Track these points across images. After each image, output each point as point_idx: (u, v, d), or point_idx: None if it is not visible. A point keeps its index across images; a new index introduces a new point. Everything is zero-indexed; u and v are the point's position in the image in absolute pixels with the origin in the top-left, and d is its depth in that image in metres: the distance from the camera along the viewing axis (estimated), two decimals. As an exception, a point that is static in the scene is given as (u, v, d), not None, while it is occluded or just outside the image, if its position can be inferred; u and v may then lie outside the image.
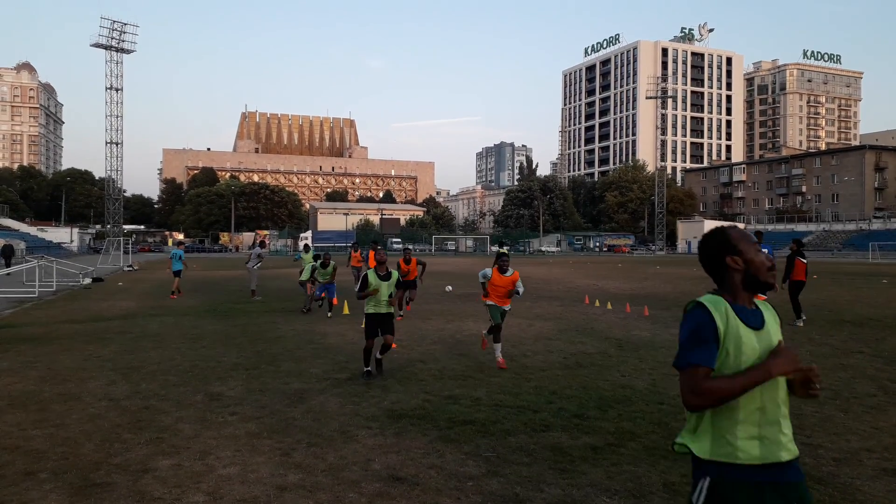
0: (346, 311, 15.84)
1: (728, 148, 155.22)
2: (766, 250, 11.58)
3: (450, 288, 22.02)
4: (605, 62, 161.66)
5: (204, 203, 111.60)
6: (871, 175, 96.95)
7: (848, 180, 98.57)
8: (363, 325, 8.66)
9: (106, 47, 72.44)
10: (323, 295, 15.96)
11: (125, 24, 72.87)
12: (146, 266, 44.91)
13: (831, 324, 13.59)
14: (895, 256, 63.22)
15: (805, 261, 13.97)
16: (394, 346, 8.99)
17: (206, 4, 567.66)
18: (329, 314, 15.32)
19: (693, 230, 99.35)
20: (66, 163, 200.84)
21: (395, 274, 8.65)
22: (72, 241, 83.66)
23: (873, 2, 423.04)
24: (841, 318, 14.70)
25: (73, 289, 24.11)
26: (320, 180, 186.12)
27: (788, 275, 13.94)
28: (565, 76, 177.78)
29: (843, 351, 10.28)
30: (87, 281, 27.05)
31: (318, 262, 16.33)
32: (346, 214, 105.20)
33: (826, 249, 78.91)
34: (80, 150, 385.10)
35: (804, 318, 13.67)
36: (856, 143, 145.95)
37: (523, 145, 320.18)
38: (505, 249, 10.17)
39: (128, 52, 73.80)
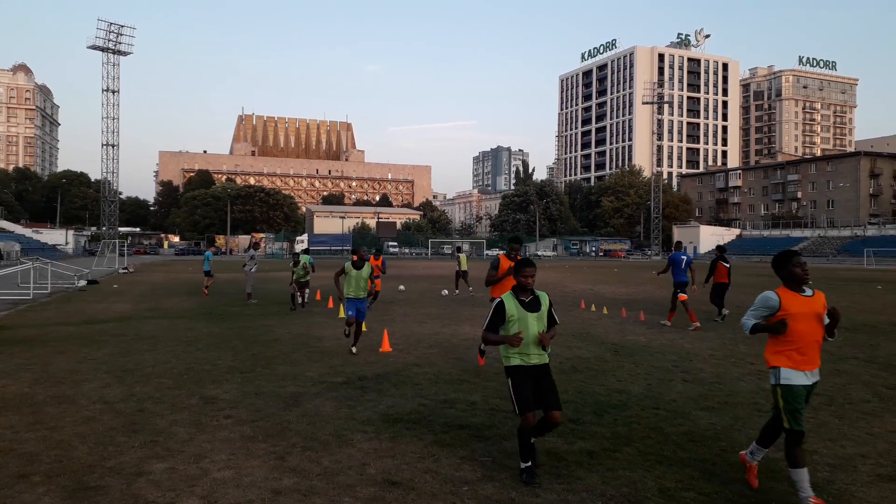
0: (341, 314, 15.82)
1: (724, 153, 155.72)
2: (685, 258, 12.85)
3: (445, 292, 22.02)
4: (602, 67, 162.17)
5: (200, 206, 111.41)
6: (867, 181, 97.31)
7: (843, 186, 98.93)
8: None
9: (103, 49, 72.27)
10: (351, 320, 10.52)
11: (122, 26, 72.70)
12: (142, 268, 44.80)
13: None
14: (890, 262, 63.43)
15: (728, 265, 15.90)
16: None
17: (204, 7, 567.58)
18: (353, 349, 10.50)
19: (689, 235, 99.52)
20: (62, 164, 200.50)
21: (368, 265, 10.56)
22: (67, 243, 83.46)
23: (869, 9, 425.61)
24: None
25: (68, 291, 24.03)
26: (317, 183, 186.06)
27: (710, 277, 15.96)
28: (562, 81, 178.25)
29: (838, 357, 10.31)
30: (82, 283, 26.96)
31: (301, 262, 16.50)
32: (343, 218, 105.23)
33: (822, 255, 79.12)
34: (76, 152, 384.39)
35: (726, 313, 15.47)
36: (851, 149, 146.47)
37: (520, 150, 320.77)
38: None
39: (125, 54, 73.64)
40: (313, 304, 18.64)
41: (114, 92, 73.69)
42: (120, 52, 73.28)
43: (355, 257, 10.52)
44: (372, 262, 15.38)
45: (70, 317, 15.53)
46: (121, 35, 72.62)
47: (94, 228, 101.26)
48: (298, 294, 17.61)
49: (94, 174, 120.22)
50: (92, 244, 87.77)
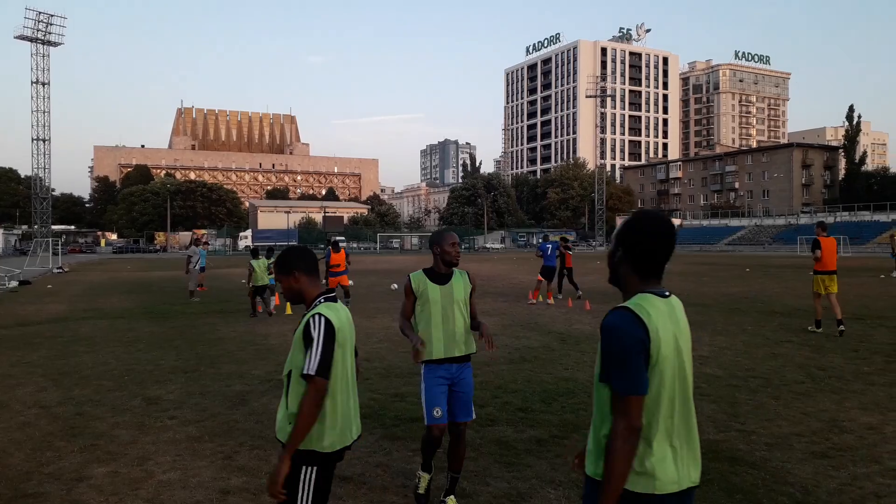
0: (288, 311, 15.61)
1: (665, 146, 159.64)
2: (551, 246, 15.48)
3: (395, 286, 21.96)
4: (546, 61, 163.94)
5: (138, 202, 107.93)
6: (799, 172, 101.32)
7: (777, 177, 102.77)
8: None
9: (31, 39, 69.15)
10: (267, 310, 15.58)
11: (52, 16, 69.66)
12: (77, 267, 43.19)
13: (763, 315, 14.15)
14: (820, 249, 66.14)
15: (572, 253, 19.21)
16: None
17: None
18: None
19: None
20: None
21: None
22: (-4, 243, 79.71)
23: (801, 5, 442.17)
24: (772, 309, 15.32)
25: (-1, 292, 22.98)
26: (260, 178, 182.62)
27: (563, 264, 18.65)
28: (507, 74, 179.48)
29: (774, 340, 10.73)
30: (14, 284, 25.83)
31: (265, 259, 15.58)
32: (288, 213, 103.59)
33: (758, 243, 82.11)
34: (4, 147, 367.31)
35: (580, 293, 18.01)
36: (784, 141, 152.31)
37: (468, 143, 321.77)
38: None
39: (55, 44, 70.61)
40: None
41: (44, 84, 70.64)
42: (50, 43, 70.25)
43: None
44: (333, 255, 15.56)
45: (1, 319, 14.86)
46: (50, 24, 69.63)
47: (24, 227, 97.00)
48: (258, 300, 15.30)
49: (24, 170, 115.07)
50: (23, 243, 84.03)
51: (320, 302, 2.88)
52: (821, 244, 11.72)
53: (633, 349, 2.01)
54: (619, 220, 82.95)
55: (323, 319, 2.76)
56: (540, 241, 17.92)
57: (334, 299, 2.96)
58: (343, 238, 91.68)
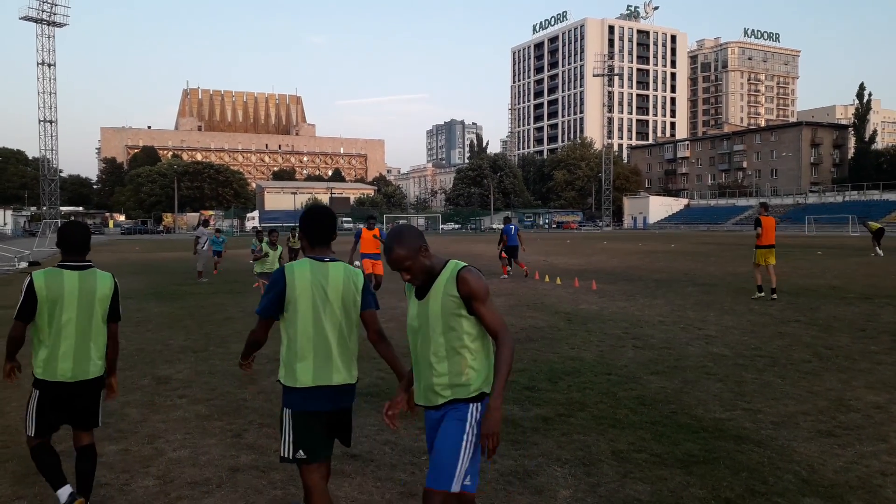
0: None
1: (672, 125, 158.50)
2: (513, 227, 16.52)
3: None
4: (553, 39, 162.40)
5: (145, 183, 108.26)
6: (808, 151, 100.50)
7: (786, 156, 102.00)
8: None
9: (36, 20, 68.99)
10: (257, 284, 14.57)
11: (56, -4, 69.46)
12: (86, 249, 43.35)
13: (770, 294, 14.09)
14: (829, 229, 65.89)
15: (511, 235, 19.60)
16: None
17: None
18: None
19: (639, 206, 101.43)
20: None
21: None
22: (5, 224, 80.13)
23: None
24: (779, 288, 15.26)
25: (8, 273, 23.15)
26: (266, 159, 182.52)
27: (501, 244, 19.49)
28: (514, 53, 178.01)
29: (781, 320, 10.71)
30: (23, 265, 26.02)
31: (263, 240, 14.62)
32: (295, 193, 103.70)
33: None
34: (12, 129, 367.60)
35: (511, 271, 19.54)
36: (793, 119, 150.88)
37: (474, 123, 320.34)
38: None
39: (60, 25, 70.49)
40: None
41: (49, 65, 70.57)
42: (55, 24, 70.12)
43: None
44: (365, 231, 13.38)
45: (10, 299, 14.95)
46: (55, 5, 69.42)
47: (33, 208, 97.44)
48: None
49: (32, 152, 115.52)
50: (32, 225, 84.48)
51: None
52: (761, 222, 13.45)
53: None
54: (627, 201, 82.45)
55: (25, 282, 3.71)
56: (502, 224, 19.82)
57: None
58: (349, 220, 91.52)
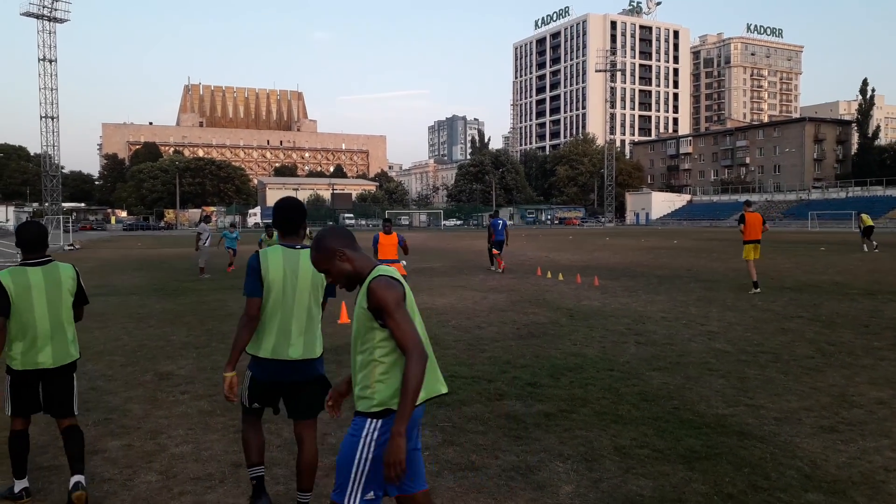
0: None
1: (675, 121, 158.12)
2: (501, 222, 17.17)
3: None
4: (555, 35, 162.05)
5: (147, 179, 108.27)
6: (811, 146, 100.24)
7: (789, 152, 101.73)
8: None
9: (37, 16, 68.85)
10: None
11: (57, -8, 69.35)
12: (88, 245, 43.48)
13: (773, 290, 14.09)
14: (832, 225, 65.78)
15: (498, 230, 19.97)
16: None
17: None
18: None
19: (641, 202, 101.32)
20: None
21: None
22: (7, 220, 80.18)
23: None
24: (782, 284, 15.25)
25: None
26: (268, 154, 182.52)
27: (490, 238, 19.84)
28: (516, 49, 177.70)
29: (784, 316, 10.70)
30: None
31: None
32: (296, 190, 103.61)
33: (768, 219, 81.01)
34: (14, 125, 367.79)
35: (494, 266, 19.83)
36: (796, 115, 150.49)
37: (476, 119, 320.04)
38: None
39: (61, 21, 70.30)
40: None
41: (51, 61, 70.48)
42: (56, 19, 69.95)
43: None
44: (383, 237, 12.63)
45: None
46: (56, 0, 69.29)
47: (35, 205, 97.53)
48: None
49: (34, 148, 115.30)
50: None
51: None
52: (745, 218, 13.96)
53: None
54: (629, 197, 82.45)
55: None
56: (490, 218, 20.50)
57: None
58: (351, 216, 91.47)
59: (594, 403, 5.90)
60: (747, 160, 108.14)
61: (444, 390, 2.84)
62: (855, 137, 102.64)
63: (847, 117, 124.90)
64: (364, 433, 2.64)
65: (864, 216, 29.04)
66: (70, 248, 37.96)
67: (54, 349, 4.00)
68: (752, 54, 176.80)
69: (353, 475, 2.64)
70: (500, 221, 19.70)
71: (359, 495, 2.64)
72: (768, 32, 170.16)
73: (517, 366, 7.38)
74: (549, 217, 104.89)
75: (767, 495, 3.99)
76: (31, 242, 4.05)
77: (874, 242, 27.47)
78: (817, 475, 4.28)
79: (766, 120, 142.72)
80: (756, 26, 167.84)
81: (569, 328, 9.81)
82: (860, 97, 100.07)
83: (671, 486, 4.13)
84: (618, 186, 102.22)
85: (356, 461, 2.63)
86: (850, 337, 8.86)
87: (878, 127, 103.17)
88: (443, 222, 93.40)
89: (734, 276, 17.54)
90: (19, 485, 4.01)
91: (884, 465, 4.45)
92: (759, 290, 13.60)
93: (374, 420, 2.65)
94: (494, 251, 19.86)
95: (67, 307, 4.09)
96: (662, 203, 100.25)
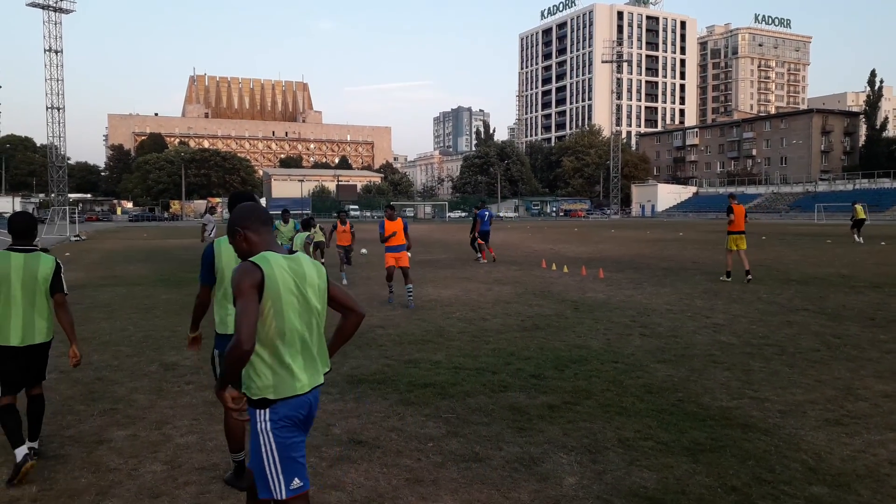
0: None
1: (682, 112, 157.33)
2: (488, 213, 17.66)
3: (364, 251, 22.21)
4: (562, 25, 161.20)
5: (152, 170, 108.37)
6: (818, 138, 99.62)
7: (796, 143, 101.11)
8: None
9: (43, 7, 68.90)
10: None
11: (63, -18, 69.33)
12: (94, 236, 43.64)
13: (778, 282, 14.05)
14: (839, 217, 65.41)
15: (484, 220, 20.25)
16: None
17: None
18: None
19: (647, 194, 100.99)
20: (5, 129, 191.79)
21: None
22: (14, 211, 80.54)
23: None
24: (788, 277, 15.20)
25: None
26: (273, 146, 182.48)
27: (474, 230, 20.45)
28: (522, 39, 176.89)
29: (789, 308, 10.66)
30: (33, 252, 26.13)
31: (308, 230, 14.14)
32: (302, 181, 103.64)
33: (774, 211, 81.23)
34: (20, 116, 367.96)
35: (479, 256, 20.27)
36: (804, 106, 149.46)
37: (481, 110, 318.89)
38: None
39: (66, 11, 70.35)
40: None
41: (57, 52, 70.55)
42: (61, 10, 69.99)
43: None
44: (390, 225, 11.93)
45: (21, 286, 15.04)
46: (62, -9, 69.24)
47: (42, 195, 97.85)
48: None
49: (40, 139, 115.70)
50: (41, 211, 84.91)
51: None
52: (733, 210, 14.48)
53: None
54: (635, 189, 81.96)
55: None
56: (476, 209, 20.76)
57: None
58: (356, 207, 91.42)
59: (598, 395, 5.90)
60: (754, 152, 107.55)
61: (298, 392, 2.72)
62: (863, 129, 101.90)
63: (855, 108, 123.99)
64: (256, 425, 2.69)
65: (858, 207, 28.50)
66: (76, 238, 38.10)
67: (24, 330, 4.33)
68: (760, 45, 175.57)
69: (265, 466, 2.67)
70: (487, 212, 20.26)
71: (282, 483, 2.66)
72: (776, 23, 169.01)
73: (521, 357, 7.39)
74: (554, 209, 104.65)
75: (772, 488, 3.99)
76: (21, 231, 4.45)
77: (861, 239, 27.17)
78: (822, 468, 4.28)
79: (773, 111, 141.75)
80: (764, 17, 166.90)
81: (573, 320, 9.80)
82: (868, 88, 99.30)
83: (675, 479, 4.13)
84: (623, 178, 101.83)
85: (263, 452, 2.67)
86: (855, 330, 8.82)
87: (886, 118, 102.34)
88: (447, 214, 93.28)
89: (739, 268, 17.47)
90: (20, 452, 4.16)
91: (889, 458, 4.44)
92: (729, 279, 14.28)
93: (259, 410, 2.68)
94: (480, 241, 20.23)
95: (41, 294, 4.41)
96: (668, 195, 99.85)
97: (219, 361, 4.26)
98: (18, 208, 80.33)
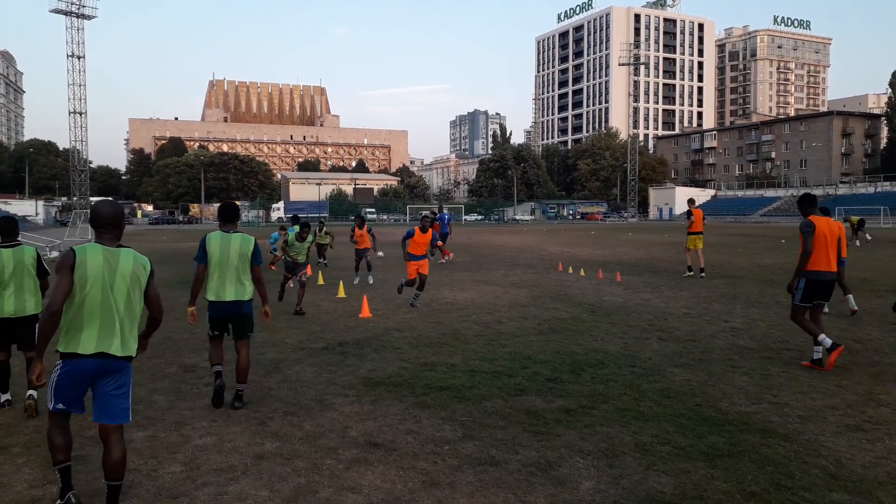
0: (320, 281, 15.79)
1: (699, 115, 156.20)
2: (447, 216, 18.13)
3: (380, 253, 22.22)
4: (578, 28, 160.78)
5: (172, 174, 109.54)
6: (839, 141, 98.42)
7: (816, 146, 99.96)
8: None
9: (66, 13, 69.90)
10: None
11: (85, -11, 70.29)
12: (115, 239, 44.03)
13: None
14: (860, 221, 64.52)
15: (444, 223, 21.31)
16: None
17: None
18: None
19: (665, 197, 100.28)
20: (29, 133, 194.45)
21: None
22: (37, 214, 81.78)
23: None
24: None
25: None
26: (291, 150, 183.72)
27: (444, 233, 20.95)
28: (538, 43, 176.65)
29: (809, 313, 10.52)
30: (55, 254, 26.52)
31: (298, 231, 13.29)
32: (319, 184, 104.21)
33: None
34: (43, 121, 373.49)
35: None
36: (824, 109, 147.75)
37: (497, 113, 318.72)
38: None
39: (89, 17, 71.32)
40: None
41: (79, 57, 71.53)
42: (84, 16, 70.97)
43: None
44: (419, 234, 12.08)
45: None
46: (84, -2, 70.20)
47: (64, 199, 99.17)
48: (292, 279, 12.74)
49: (63, 143, 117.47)
50: (63, 215, 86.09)
51: None
52: (692, 213, 16.30)
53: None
54: (652, 192, 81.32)
55: None
56: (435, 212, 21.95)
57: None
58: (373, 211, 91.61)
59: (615, 400, 5.87)
60: (773, 155, 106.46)
61: (84, 352, 3.70)
62: (884, 131, 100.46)
63: (876, 111, 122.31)
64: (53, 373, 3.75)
65: (853, 218, 30.68)
66: (97, 241, 38.48)
67: (15, 304, 5.73)
68: (779, 47, 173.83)
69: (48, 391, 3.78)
70: (446, 216, 22.55)
71: (51, 403, 3.77)
72: (796, 25, 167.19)
73: (538, 361, 7.37)
74: (570, 212, 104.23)
75: (791, 494, 3.95)
76: (4, 231, 5.85)
77: (857, 241, 28.88)
78: (842, 474, 4.22)
79: (792, 114, 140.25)
80: (783, 18, 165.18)
81: (590, 324, 9.76)
82: (890, 90, 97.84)
83: (693, 484, 4.10)
84: (640, 181, 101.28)
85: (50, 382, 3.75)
86: (877, 334, 8.70)
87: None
88: (464, 217, 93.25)
89: (759, 272, 17.31)
90: (2, 397, 5.81)
91: (911, 465, 4.37)
92: (691, 273, 16.13)
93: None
94: (439, 243, 20.62)
95: (29, 277, 5.83)
96: (686, 198, 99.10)
97: (210, 319, 6.01)
98: (42, 212, 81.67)
